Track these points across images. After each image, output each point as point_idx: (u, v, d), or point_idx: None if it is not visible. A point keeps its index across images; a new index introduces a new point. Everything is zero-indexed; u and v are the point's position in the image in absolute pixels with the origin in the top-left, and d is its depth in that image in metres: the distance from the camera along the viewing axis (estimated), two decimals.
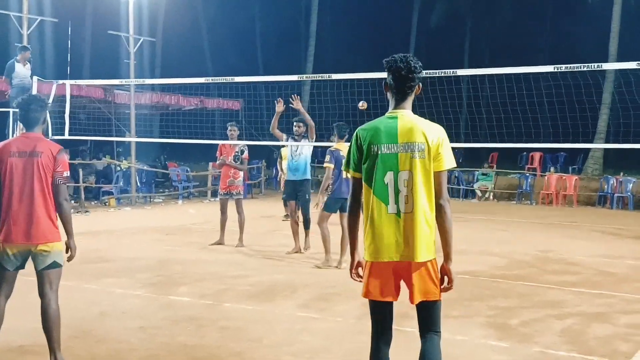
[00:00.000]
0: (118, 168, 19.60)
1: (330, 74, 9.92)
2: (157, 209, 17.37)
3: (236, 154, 11.06)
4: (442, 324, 3.92)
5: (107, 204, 16.28)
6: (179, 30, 34.88)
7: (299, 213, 10.68)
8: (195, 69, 28.69)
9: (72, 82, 12.09)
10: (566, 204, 20.78)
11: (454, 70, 9.57)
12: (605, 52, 23.76)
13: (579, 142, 14.16)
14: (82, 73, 29.81)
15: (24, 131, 4.98)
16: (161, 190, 21.53)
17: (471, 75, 16.14)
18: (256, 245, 11.22)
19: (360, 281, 3.86)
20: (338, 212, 9.38)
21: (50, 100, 12.47)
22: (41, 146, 4.83)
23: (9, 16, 19.16)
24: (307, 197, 10.60)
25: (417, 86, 3.78)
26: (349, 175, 3.96)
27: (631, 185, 19.99)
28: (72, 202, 18.47)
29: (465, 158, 26.89)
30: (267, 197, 21.40)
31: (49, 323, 4.83)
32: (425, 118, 3.82)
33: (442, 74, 9.15)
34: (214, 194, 19.98)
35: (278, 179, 15.77)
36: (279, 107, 10.52)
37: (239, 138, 11.43)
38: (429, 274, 3.69)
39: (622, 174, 21.22)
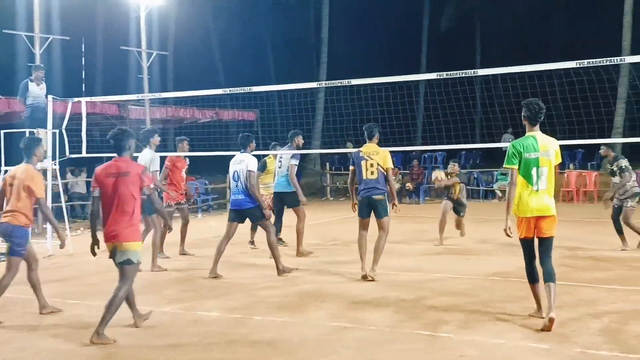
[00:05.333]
0: None
1: (349, 80, 9.79)
2: (177, 223, 17.23)
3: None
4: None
5: None
6: (190, 43, 34.94)
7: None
8: (208, 81, 28.62)
9: (88, 99, 11.99)
10: (587, 200, 20.56)
11: (475, 70, 9.43)
12: (618, 47, 23.52)
13: (595, 138, 13.91)
14: (94, 90, 29.80)
15: (116, 157, 6.46)
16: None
17: (484, 76, 15.95)
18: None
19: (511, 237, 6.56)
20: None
21: (66, 120, 12.44)
22: (129, 167, 6.34)
23: (17, 36, 19.18)
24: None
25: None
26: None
27: None
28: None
29: (482, 159, 26.70)
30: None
31: None
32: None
33: (463, 74, 9.00)
34: None
35: None
36: None
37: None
38: (552, 222, 6.42)
39: None
